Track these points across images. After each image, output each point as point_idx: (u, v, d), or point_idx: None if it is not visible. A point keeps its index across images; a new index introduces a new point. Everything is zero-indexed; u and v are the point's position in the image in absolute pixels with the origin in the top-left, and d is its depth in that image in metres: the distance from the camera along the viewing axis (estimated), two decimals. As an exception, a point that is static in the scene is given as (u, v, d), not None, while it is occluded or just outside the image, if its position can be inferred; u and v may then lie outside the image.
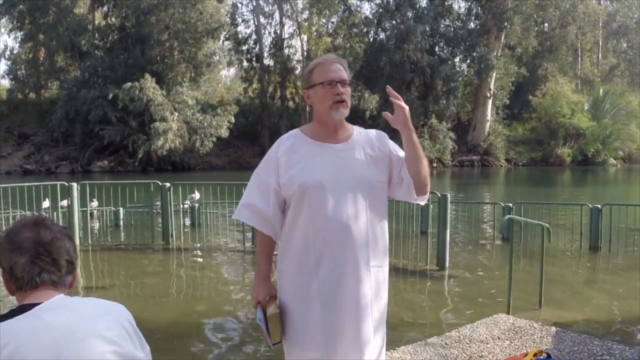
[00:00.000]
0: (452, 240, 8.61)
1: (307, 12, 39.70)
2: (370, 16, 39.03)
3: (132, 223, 10.69)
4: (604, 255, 8.55)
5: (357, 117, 29.37)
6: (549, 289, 5.72)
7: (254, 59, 38.73)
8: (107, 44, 35.13)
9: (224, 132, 30.81)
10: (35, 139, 32.34)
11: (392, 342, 4.06)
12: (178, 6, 32.32)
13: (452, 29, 38.84)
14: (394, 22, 36.65)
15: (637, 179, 27.62)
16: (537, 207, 10.22)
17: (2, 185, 8.47)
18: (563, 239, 8.95)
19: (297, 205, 2.11)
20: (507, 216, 7.55)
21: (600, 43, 47.88)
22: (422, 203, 2.36)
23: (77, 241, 8.56)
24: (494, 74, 37.07)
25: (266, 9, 39.64)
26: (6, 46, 73.22)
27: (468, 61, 38.58)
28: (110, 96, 28.83)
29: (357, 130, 2.24)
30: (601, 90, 40.60)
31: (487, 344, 4.11)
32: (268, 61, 39.27)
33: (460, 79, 37.48)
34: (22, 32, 36.68)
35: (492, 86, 37.61)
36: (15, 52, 39.83)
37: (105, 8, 36.28)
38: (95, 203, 10.91)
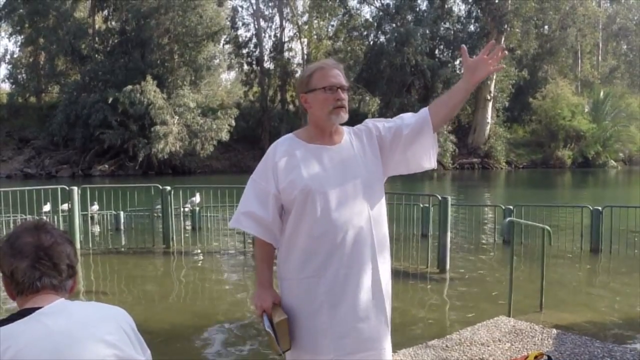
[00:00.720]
0: (453, 243, 8.60)
1: (307, 15, 39.79)
2: (371, 19, 39.11)
3: (133, 227, 10.69)
4: (605, 258, 8.55)
5: (358, 121, 29.00)
6: (549, 291, 5.71)
7: (254, 62, 38.78)
8: (108, 47, 35.15)
9: (225, 136, 30.82)
10: (36, 143, 32.36)
11: (393, 345, 4.02)
12: (178, 10, 32.35)
13: (452, 32, 38.91)
14: (394, 25, 36.70)
15: (638, 181, 27.60)
16: (537, 209, 10.22)
17: (2, 189, 8.48)
18: (564, 241, 8.94)
19: (299, 210, 2.09)
20: (508, 219, 7.56)
21: (600, 45, 47.94)
22: (434, 163, 2.30)
23: (78, 245, 8.55)
24: (494, 77, 37.06)
25: (266, 13, 39.76)
26: (6, 50, 73.30)
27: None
28: (111, 100, 28.88)
29: (346, 130, 2.25)
30: (601, 93, 40.64)
31: (488, 346, 4.11)
32: (268, 64, 39.37)
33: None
34: (22, 36, 36.70)
35: (492, 89, 37.60)
36: (15, 56, 39.92)
37: (105, 12, 36.33)
38: (95, 207, 10.91)
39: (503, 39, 37.59)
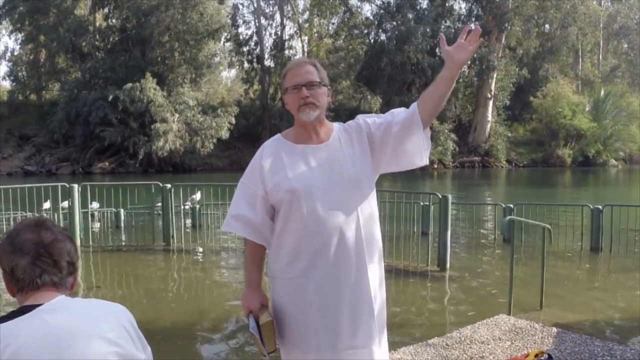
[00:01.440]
0: (453, 241, 8.60)
1: (308, 13, 39.75)
2: (371, 17, 39.07)
3: (133, 224, 10.68)
4: (605, 256, 8.55)
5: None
6: (550, 289, 5.71)
7: (254, 60, 38.72)
8: (108, 45, 35.14)
9: (225, 134, 30.80)
10: (36, 141, 32.35)
11: (393, 343, 4.06)
12: (179, 7, 32.34)
13: (453, 30, 38.78)
14: (394, 23, 36.67)
15: (638, 180, 27.57)
16: (538, 208, 10.21)
17: (3, 187, 8.49)
18: (564, 239, 8.93)
19: (286, 211, 2.09)
20: (508, 217, 7.55)
21: (601, 44, 47.90)
22: (425, 160, 2.25)
23: (78, 242, 8.56)
24: (495, 75, 37.06)
25: (267, 10, 39.67)
26: (7, 48, 73.53)
27: (469, 62, 38.55)
28: (111, 97, 28.86)
29: (337, 127, 2.23)
30: (602, 91, 40.60)
31: (488, 344, 4.11)
32: (269, 62, 39.27)
33: (461, 80, 37.42)
34: (22, 34, 36.66)
35: (493, 87, 37.58)
36: (16, 53, 39.95)
37: (106, 9, 36.28)
38: (96, 204, 10.90)
39: (504, 38, 37.61)
